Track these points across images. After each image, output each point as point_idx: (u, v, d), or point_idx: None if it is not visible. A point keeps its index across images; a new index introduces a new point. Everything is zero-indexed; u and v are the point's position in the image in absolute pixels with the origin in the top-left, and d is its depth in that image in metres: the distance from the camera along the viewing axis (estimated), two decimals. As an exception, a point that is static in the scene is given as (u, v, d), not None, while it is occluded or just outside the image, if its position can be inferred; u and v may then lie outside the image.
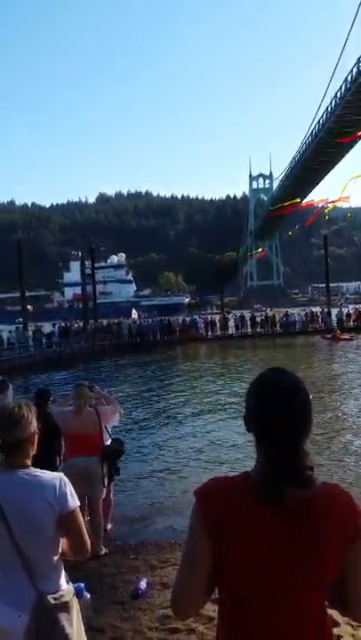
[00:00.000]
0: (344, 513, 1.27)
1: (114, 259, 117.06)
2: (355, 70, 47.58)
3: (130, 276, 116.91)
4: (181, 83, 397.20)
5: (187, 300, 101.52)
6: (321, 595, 1.31)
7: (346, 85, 49.80)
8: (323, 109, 58.28)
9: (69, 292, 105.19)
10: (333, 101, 53.63)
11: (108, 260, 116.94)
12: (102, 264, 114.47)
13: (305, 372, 16.15)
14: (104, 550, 5.06)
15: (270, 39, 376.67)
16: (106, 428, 5.15)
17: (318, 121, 60.52)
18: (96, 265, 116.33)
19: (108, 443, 5.23)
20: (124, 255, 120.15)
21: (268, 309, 68.19)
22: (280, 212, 58.22)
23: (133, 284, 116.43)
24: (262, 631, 1.26)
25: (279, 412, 1.26)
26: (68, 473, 4.63)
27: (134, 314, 78.93)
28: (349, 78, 48.90)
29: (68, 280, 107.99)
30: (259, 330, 37.94)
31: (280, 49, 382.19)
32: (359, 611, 1.36)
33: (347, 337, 29.65)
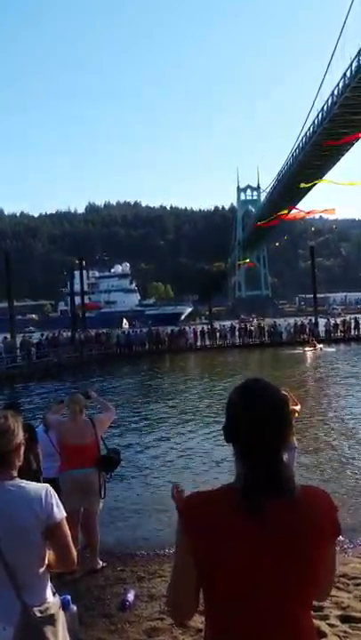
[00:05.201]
0: (324, 514, 1.30)
1: (118, 268, 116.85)
2: (341, 84, 48.13)
3: (134, 286, 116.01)
4: (170, 94, 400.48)
5: (190, 309, 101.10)
6: (308, 604, 1.33)
7: (333, 99, 50.36)
8: (310, 122, 59.06)
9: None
10: (320, 115, 54.26)
11: (112, 270, 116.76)
12: (106, 273, 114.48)
13: (286, 381, 16.25)
14: (101, 564, 4.98)
15: (262, 47, 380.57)
16: (101, 438, 5.05)
17: (306, 133, 61.25)
18: (100, 274, 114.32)
19: (104, 453, 5.09)
20: (128, 265, 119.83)
21: (255, 319, 68.82)
22: (266, 224, 58.76)
23: (137, 294, 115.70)
24: None
25: (256, 421, 1.27)
26: (64, 485, 4.65)
27: (125, 324, 78.76)
28: (336, 92, 49.43)
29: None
30: (247, 340, 38.11)
31: (269, 59, 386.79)
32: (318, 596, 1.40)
33: (313, 348, 31.20)
